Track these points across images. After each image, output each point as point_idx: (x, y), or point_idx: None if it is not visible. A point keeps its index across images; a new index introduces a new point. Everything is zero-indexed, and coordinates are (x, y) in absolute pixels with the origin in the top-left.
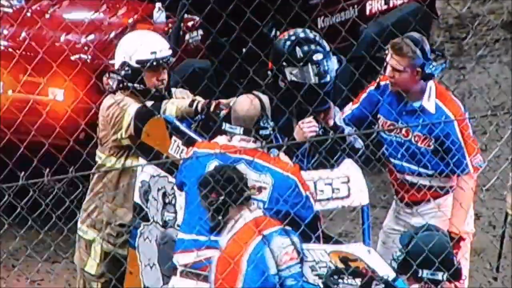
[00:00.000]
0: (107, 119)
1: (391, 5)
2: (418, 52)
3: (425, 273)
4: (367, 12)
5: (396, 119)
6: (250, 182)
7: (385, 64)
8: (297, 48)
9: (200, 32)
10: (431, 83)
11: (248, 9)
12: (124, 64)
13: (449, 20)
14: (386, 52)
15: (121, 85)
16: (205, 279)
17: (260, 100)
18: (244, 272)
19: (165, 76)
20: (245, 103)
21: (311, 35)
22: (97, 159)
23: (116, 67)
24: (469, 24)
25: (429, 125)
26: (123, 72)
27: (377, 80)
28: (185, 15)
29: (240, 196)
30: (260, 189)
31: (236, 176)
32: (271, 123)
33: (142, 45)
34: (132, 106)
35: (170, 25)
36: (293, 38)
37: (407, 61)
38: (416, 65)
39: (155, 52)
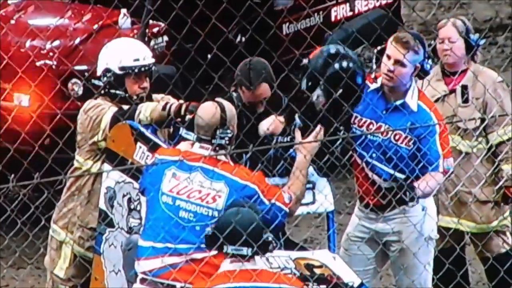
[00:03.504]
0: (86, 122)
1: (356, 12)
2: (421, 48)
3: (230, 249)
4: (332, 19)
5: (376, 117)
6: (205, 190)
7: (374, 61)
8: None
9: (165, 38)
10: (414, 83)
11: (214, 15)
12: (107, 70)
13: (414, 27)
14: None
15: (102, 91)
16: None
17: (223, 108)
18: None
19: (147, 84)
20: (203, 111)
21: (342, 50)
22: (74, 162)
23: (99, 73)
24: (434, 31)
25: (412, 124)
26: (105, 79)
27: (373, 76)
28: (150, 21)
29: None
30: (214, 198)
31: None
32: (229, 133)
33: (126, 52)
34: (110, 110)
35: (135, 31)
36: (325, 54)
37: (411, 54)
38: (418, 61)
39: (138, 60)
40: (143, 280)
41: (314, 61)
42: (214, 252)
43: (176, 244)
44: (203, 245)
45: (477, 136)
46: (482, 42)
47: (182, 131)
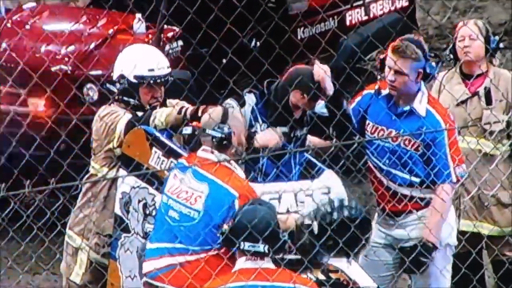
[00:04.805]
0: (101, 129)
1: (371, 16)
2: (420, 53)
3: (246, 245)
4: (347, 23)
5: (387, 123)
6: (190, 190)
7: (373, 71)
8: None
9: (180, 42)
10: (423, 88)
11: (228, 19)
12: (121, 76)
13: (429, 30)
14: (367, 62)
15: (116, 97)
16: None
17: (226, 109)
18: None
19: (160, 94)
20: (207, 113)
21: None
22: (90, 168)
23: (114, 78)
24: (449, 34)
25: (419, 129)
26: (119, 85)
27: (376, 86)
28: (165, 26)
29: None
30: (196, 199)
31: None
32: (227, 129)
33: (141, 61)
34: (125, 117)
35: (150, 36)
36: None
37: (410, 63)
38: (418, 66)
39: (152, 70)
40: (145, 284)
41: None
42: (198, 256)
43: (163, 244)
44: (191, 247)
45: (501, 138)
46: (501, 45)
47: (183, 129)
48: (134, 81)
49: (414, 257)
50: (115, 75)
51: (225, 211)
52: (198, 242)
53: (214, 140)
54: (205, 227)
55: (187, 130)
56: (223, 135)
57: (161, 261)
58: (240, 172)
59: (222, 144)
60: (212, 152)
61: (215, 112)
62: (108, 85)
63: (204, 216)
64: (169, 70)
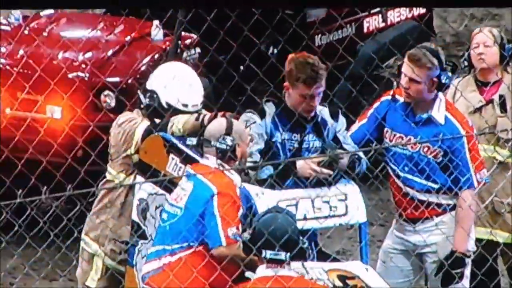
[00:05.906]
0: (119, 135)
1: (388, 23)
2: (436, 62)
3: (268, 253)
4: (365, 30)
5: (406, 131)
6: (181, 191)
7: (393, 78)
8: None
9: (198, 49)
10: (441, 95)
11: (246, 26)
12: (153, 92)
13: (447, 38)
14: (384, 69)
15: (141, 105)
16: None
17: (230, 122)
18: None
19: None
20: (213, 122)
21: None
22: (107, 174)
23: (147, 86)
24: (466, 42)
25: (438, 136)
26: (147, 100)
27: (391, 93)
28: (183, 33)
29: None
30: (181, 196)
31: None
32: (230, 141)
33: (178, 92)
34: (142, 123)
35: (167, 42)
36: None
37: (425, 71)
38: (433, 75)
39: (186, 105)
40: None
41: None
42: (178, 255)
43: (155, 247)
44: (173, 246)
45: None
46: None
47: (186, 140)
48: (165, 106)
49: (446, 271)
50: (148, 85)
51: (202, 205)
52: (179, 240)
53: (218, 152)
54: (185, 223)
55: (191, 141)
56: (227, 147)
57: (151, 264)
58: (235, 177)
59: (227, 156)
60: (208, 158)
61: (219, 124)
62: (139, 92)
63: (185, 212)
64: (201, 105)
